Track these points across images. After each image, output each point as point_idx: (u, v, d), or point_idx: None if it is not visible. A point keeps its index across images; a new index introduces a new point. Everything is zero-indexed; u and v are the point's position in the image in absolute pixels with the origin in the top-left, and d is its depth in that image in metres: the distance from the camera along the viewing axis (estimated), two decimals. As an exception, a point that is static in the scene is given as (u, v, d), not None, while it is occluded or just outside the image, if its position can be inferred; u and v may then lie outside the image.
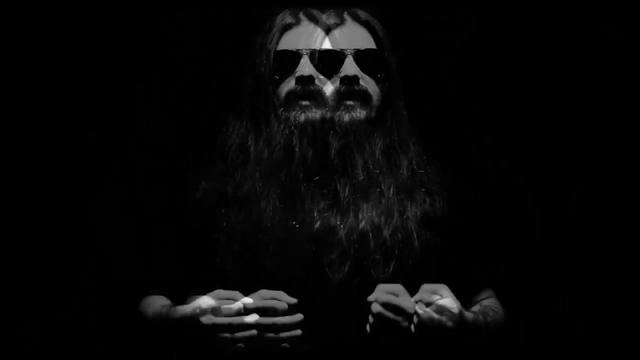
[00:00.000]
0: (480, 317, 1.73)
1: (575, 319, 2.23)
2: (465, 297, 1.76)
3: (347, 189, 1.76)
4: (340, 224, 1.74)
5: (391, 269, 1.73)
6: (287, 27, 1.84)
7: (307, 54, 1.80)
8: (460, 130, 2.26)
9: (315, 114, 1.78)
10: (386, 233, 1.74)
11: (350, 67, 1.80)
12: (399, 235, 1.75)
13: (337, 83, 1.80)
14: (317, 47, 1.81)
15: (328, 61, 1.81)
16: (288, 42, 1.83)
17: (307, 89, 1.79)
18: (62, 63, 2.22)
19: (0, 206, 2.21)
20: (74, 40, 2.22)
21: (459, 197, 1.84)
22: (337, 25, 1.84)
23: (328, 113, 1.78)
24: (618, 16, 2.19)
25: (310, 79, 1.79)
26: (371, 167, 1.78)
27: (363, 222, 1.74)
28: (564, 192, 2.25)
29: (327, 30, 1.83)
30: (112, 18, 2.22)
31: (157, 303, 1.81)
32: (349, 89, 1.79)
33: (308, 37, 1.82)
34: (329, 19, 1.84)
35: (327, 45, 1.82)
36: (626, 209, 2.22)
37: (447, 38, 2.25)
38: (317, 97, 1.79)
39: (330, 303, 1.72)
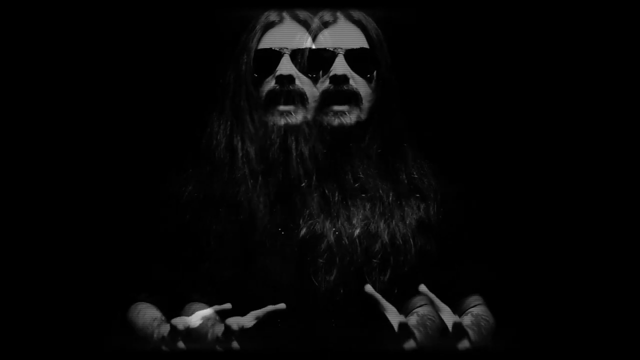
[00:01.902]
0: (475, 328, 1.73)
1: (574, 319, 2.23)
2: (454, 302, 1.75)
3: (336, 195, 1.75)
4: (331, 230, 1.72)
5: (387, 275, 1.71)
6: (269, 26, 1.81)
7: (288, 53, 1.76)
8: (459, 130, 2.25)
9: (295, 118, 1.75)
10: (382, 240, 1.73)
11: (340, 66, 1.76)
12: (395, 242, 1.73)
13: (327, 83, 1.77)
14: (300, 46, 1.78)
15: (316, 60, 1.78)
16: (269, 40, 1.79)
17: (287, 90, 1.75)
18: (61, 63, 2.22)
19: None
20: (73, 40, 2.22)
21: (453, 202, 1.83)
22: (329, 23, 1.81)
23: (309, 116, 1.75)
24: (618, 16, 2.20)
25: (290, 78, 1.75)
26: (362, 172, 1.76)
27: (358, 229, 1.73)
28: (564, 192, 2.25)
29: (318, 29, 1.81)
30: (110, 18, 2.21)
31: (147, 314, 1.78)
32: (338, 89, 1.76)
33: (290, 36, 1.79)
34: (322, 17, 1.82)
35: (310, 44, 1.79)
36: (626, 209, 2.23)
37: (447, 38, 2.24)
38: (297, 98, 1.75)
39: (317, 309, 1.71)
